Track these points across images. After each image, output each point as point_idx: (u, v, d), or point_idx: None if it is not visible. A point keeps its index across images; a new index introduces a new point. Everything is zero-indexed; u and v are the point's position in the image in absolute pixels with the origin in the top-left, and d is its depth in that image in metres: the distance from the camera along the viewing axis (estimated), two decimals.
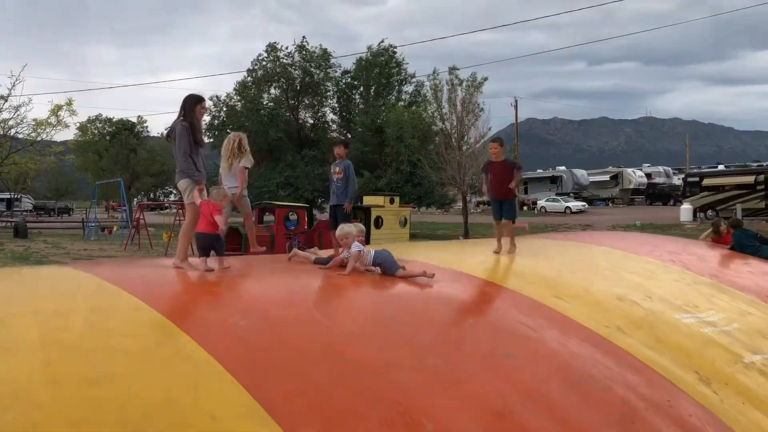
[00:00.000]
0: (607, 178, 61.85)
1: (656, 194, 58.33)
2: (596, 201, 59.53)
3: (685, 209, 34.00)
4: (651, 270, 6.33)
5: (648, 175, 61.78)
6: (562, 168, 65.08)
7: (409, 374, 3.30)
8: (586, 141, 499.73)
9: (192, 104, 5.54)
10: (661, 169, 65.06)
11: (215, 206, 5.22)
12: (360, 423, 2.77)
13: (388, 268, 5.12)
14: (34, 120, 17.20)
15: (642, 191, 60.28)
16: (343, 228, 5.37)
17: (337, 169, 7.56)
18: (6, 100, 16.72)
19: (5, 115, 16.60)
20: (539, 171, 67.81)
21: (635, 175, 60.77)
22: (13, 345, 2.96)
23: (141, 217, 27.41)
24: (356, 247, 5.18)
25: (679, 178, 55.78)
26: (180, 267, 5.19)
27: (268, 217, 24.23)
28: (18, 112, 16.79)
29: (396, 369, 3.34)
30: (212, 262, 5.19)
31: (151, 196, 58.99)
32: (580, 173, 62.36)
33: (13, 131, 17.15)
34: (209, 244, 5.20)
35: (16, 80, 16.67)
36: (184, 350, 3.02)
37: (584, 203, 52.93)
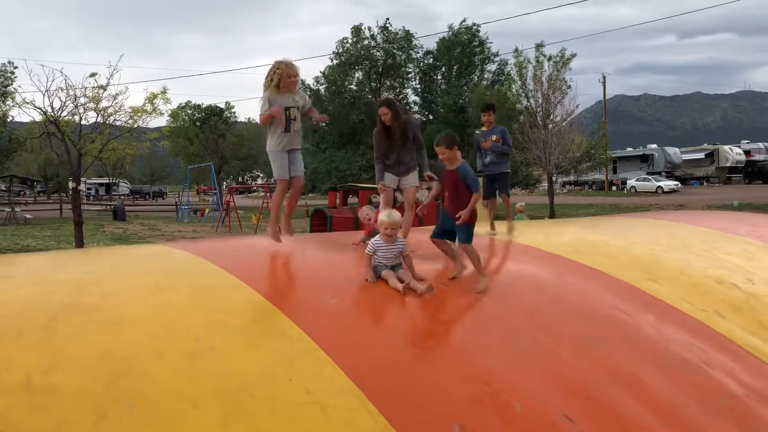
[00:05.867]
0: (701, 155, 58.98)
1: (756, 172, 55.08)
2: (690, 180, 56.94)
3: None
4: (751, 251, 6.00)
5: (747, 152, 58.45)
6: (654, 146, 62.43)
7: (497, 356, 3.29)
8: (679, 117, 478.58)
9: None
10: (761, 145, 61.30)
11: None
12: (449, 400, 2.80)
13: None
14: (131, 108, 18.00)
15: (740, 169, 57.14)
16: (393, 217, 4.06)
17: (494, 137, 6.52)
18: (105, 90, 17.52)
19: (104, 103, 17.42)
20: (629, 149, 65.41)
21: (732, 153, 57.64)
22: (120, 319, 3.14)
23: (231, 200, 28.35)
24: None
25: None
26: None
27: (352, 199, 24.56)
28: (116, 101, 17.58)
29: (483, 350, 3.34)
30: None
31: (239, 179, 60.76)
32: (673, 151, 59.70)
33: (111, 119, 17.98)
34: None
35: (114, 70, 17.41)
36: (278, 327, 3.13)
37: (677, 182, 50.79)
